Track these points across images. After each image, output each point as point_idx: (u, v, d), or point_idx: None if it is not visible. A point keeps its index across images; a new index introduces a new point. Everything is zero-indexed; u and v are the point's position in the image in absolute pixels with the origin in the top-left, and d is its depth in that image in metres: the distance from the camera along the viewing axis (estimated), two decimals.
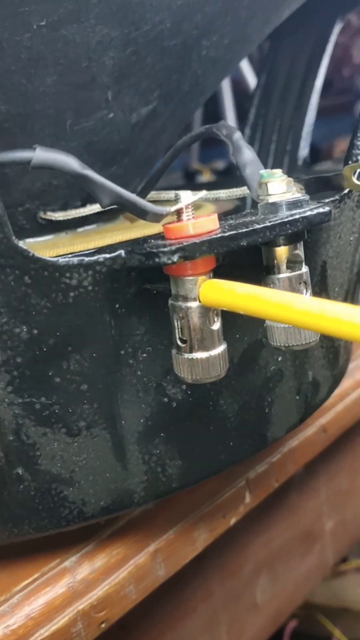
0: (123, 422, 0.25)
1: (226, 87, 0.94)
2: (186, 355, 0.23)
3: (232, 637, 0.42)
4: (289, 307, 0.19)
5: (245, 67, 0.91)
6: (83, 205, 0.33)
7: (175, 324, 0.23)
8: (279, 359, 0.29)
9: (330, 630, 0.72)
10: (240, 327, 0.27)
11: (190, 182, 0.87)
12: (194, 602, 0.39)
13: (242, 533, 0.41)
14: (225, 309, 0.22)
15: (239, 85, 0.99)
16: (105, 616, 0.28)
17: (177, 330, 0.23)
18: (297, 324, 0.20)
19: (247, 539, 0.42)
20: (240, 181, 0.34)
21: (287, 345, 0.24)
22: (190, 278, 0.22)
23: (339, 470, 0.49)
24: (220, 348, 0.23)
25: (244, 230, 0.22)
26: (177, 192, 0.23)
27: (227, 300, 0.21)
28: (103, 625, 0.28)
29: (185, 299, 0.23)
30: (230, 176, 0.86)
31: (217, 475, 0.29)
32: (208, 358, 0.23)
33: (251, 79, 0.92)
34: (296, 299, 0.20)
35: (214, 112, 0.96)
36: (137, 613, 0.31)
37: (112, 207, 0.33)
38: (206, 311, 0.23)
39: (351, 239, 0.31)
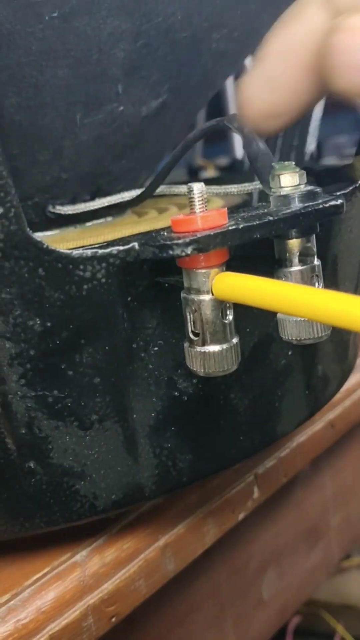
0: (134, 415, 0.25)
1: (230, 83, 0.93)
2: (199, 349, 0.23)
3: (239, 632, 0.42)
4: (304, 300, 0.19)
5: (250, 63, 0.91)
6: (92, 199, 0.33)
7: (188, 317, 0.23)
8: (289, 353, 0.29)
9: (333, 627, 0.72)
10: (250, 320, 0.27)
11: (194, 178, 0.86)
12: (201, 597, 0.39)
13: (249, 528, 0.41)
14: (238, 303, 0.22)
15: None
16: (115, 610, 0.28)
17: (189, 324, 0.23)
18: (311, 317, 0.20)
19: (253, 534, 0.42)
20: (246, 176, 0.34)
21: (298, 339, 0.24)
22: (203, 271, 0.22)
23: (345, 466, 0.49)
24: (233, 341, 0.23)
25: (257, 222, 0.22)
26: (189, 184, 0.23)
27: (241, 293, 0.21)
28: (113, 620, 0.28)
29: (198, 291, 0.22)
30: (234, 171, 0.86)
31: (226, 470, 0.29)
32: (220, 351, 0.23)
33: None
34: (310, 292, 0.19)
35: (218, 108, 0.96)
36: (145, 608, 0.31)
37: (121, 200, 0.33)
38: (219, 304, 0.22)
39: None
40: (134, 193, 0.33)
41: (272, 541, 0.44)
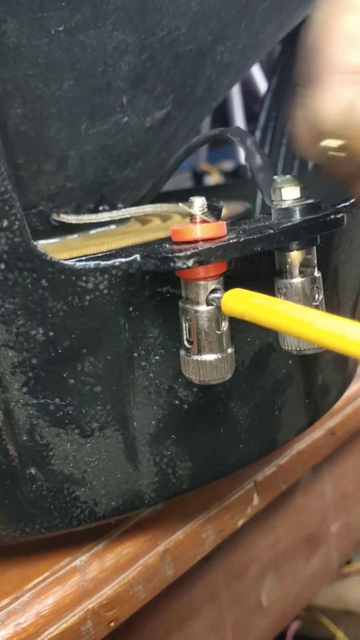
0: (135, 423, 0.26)
1: (235, 89, 0.94)
2: (193, 357, 0.23)
3: (238, 637, 0.42)
4: (312, 325, 0.19)
5: (255, 69, 0.91)
6: (96, 207, 0.34)
7: (184, 325, 0.23)
8: (290, 362, 0.29)
9: (332, 633, 0.72)
10: (251, 330, 0.27)
11: (199, 183, 0.87)
12: (200, 603, 0.39)
13: (249, 534, 0.41)
14: (246, 320, 0.22)
15: (246, 87, 0.99)
16: (114, 615, 0.28)
17: (184, 332, 0.23)
18: (317, 342, 0.19)
19: (253, 540, 0.42)
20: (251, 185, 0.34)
21: (298, 349, 0.24)
22: (200, 282, 0.23)
23: (345, 473, 0.50)
24: (227, 351, 0.23)
25: (258, 235, 0.22)
26: (191, 197, 0.24)
27: (250, 311, 0.21)
28: (112, 624, 0.28)
29: (194, 302, 0.23)
30: (239, 178, 0.86)
31: (226, 477, 0.30)
32: (214, 361, 0.23)
33: (260, 82, 0.92)
34: (319, 318, 0.19)
35: (222, 113, 0.96)
36: (144, 612, 0.31)
37: (125, 216, 0.33)
38: (214, 315, 0.23)
39: None
40: (138, 211, 0.33)
41: (272, 547, 0.44)
